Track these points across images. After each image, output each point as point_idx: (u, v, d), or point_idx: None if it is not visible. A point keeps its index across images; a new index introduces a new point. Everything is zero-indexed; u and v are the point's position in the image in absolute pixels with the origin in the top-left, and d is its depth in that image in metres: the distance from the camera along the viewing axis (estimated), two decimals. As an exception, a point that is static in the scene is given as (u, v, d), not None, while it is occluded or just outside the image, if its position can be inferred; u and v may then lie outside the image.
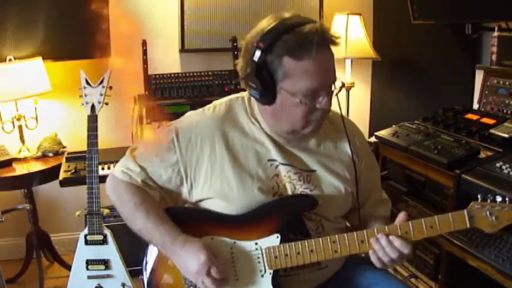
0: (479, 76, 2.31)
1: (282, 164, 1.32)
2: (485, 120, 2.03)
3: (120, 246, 2.05)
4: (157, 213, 1.30)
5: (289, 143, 1.34)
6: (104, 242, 2.03)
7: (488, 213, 1.18)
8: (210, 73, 2.64)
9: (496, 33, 2.15)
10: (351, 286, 1.38)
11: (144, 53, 2.49)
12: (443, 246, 1.80)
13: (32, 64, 2.48)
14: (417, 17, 2.52)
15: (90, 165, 1.99)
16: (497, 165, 1.70)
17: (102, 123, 2.04)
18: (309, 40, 1.17)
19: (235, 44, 2.63)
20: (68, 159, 2.46)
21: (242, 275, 1.27)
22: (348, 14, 2.78)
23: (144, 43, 2.49)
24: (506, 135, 1.83)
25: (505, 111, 2.10)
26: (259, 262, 1.26)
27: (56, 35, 2.57)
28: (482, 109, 2.20)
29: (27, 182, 2.47)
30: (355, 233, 1.23)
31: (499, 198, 1.18)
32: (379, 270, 1.30)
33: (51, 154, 2.59)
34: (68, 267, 2.40)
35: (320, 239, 1.24)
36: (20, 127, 2.57)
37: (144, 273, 1.39)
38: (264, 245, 1.26)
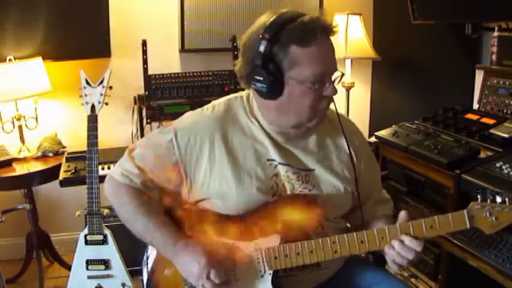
0: (479, 76, 2.31)
1: (281, 163, 1.32)
2: (485, 120, 2.04)
3: (120, 246, 2.05)
4: (158, 215, 1.30)
5: (288, 140, 1.34)
6: (104, 242, 2.03)
7: (488, 213, 1.17)
8: (210, 73, 2.64)
9: (496, 33, 2.15)
10: (351, 286, 1.38)
11: (144, 53, 2.49)
12: (443, 246, 1.80)
13: (32, 64, 2.49)
14: (417, 17, 2.51)
15: (90, 165, 1.99)
16: (497, 165, 1.70)
17: (102, 123, 2.05)
18: (312, 27, 1.20)
19: (235, 44, 2.62)
20: (68, 159, 2.46)
21: (242, 275, 1.27)
22: (347, 14, 2.78)
23: (144, 43, 2.49)
24: (506, 135, 1.84)
25: (505, 111, 2.10)
26: (258, 263, 1.26)
27: (56, 35, 2.58)
28: (482, 109, 2.20)
29: (27, 182, 2.47)
30: (354, 233, 1.23)
31: (499, 199, 1.18)
32: (379, 270, 1.30)
33: (51, 154, 2.59)
34: (68, 267, 2.40)
35: (320, 240, 1.24)
36: (20, 127, 2.57)
37: (144, 273, 1.39)
38: (264, 246, 1.26)
